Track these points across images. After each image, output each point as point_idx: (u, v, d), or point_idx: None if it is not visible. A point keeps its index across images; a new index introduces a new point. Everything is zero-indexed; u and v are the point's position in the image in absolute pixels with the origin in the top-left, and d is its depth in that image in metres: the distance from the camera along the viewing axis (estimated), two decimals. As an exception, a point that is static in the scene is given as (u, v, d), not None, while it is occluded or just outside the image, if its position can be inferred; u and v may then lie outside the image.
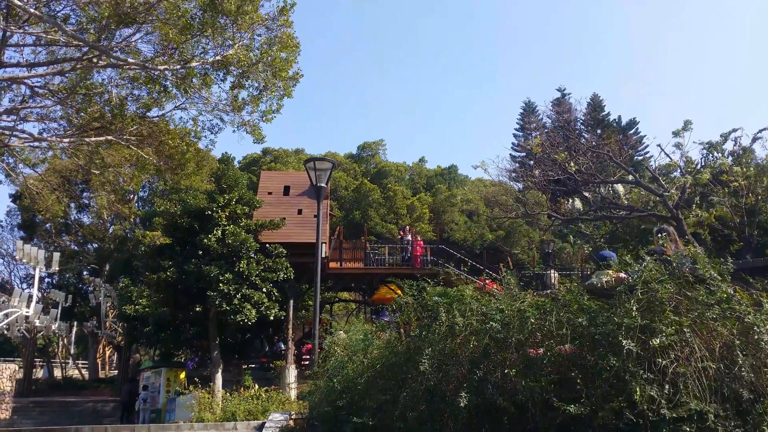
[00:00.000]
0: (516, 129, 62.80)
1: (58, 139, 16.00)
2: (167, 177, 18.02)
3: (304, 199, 24.29)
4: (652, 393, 3.97)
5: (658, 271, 4.58)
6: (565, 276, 21.60)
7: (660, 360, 4.06)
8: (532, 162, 29.85)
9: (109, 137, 15.08)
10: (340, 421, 8.15)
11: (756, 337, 4.08)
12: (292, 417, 12.09)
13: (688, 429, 3.81)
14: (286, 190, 25.02)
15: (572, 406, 4.29)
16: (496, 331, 5.45)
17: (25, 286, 36.38)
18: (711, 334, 4.15)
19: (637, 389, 3.97)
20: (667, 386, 4.00)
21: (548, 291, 5.73)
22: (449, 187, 45.03)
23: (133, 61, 14.22)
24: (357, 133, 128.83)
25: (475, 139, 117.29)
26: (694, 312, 4.22)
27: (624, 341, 4.11)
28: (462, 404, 5.29)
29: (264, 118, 14.87)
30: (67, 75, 15.21)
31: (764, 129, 21.52)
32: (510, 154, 53.52)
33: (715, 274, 4.40)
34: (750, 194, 19.82)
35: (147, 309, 23.64)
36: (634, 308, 4.31)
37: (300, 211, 23.80)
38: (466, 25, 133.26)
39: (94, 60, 14.22)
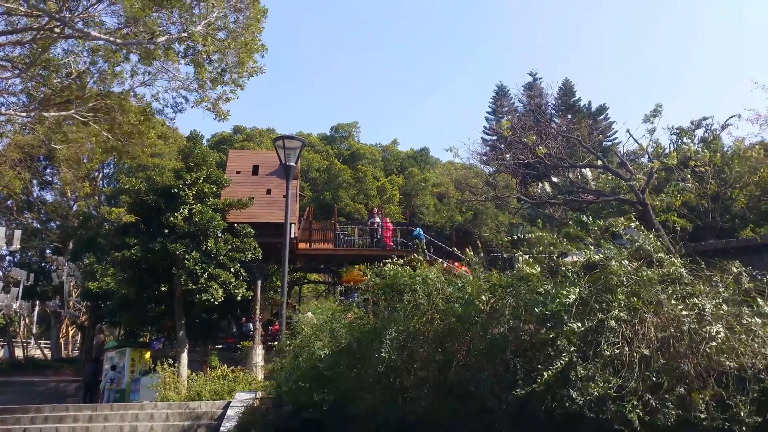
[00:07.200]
0: (488, 112, 62.87)
1: (16, 113, 15.47)
2: (124, 158, 17.48)
3: (273, 178, 24.01)
4: (590, 373, 3.98)
5: (615, 252, 4.61)
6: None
7: (607, 341, 4.07)
8: (503, 146, 29.99)
9: (69, 112, 14.61)
10: (304, 400, 8.14)
11: (699, 321, 4.12)
12: (258, 396, 12.06)
13: (624, 407, 3.85)
14: (255, 170, 24.71)
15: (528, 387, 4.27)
16: (458, 310, 5.46)
17: (-16, 265, 35.47)
18: (663, 313, 4.19)
19: (578, 370, 3.97)
20: (601, 366, 4.03)
21: (512, 271, 5.74)
22: (421, 170, 45.01)
23: (95, 33, 13.71)
24: (330, 115, 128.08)
25: (448, 122, 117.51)
26: (648, 291, 4.25)
27: (573, 323, 4.12)
28: (425, 390, 5.29)
29: (226, 97, 14.54)
30: (26, 46, 14.66)
31: (733, 116, 21.92)
32: (481, 138, 53.59)
33: (663, 255, 4.43)
34: (713, 181, 20.23)
35: (111, 286, 23.26)
36: (576, 289, 4.31)
37: (269, 191, 23.55)
38: (441, 7, 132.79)
39: (56, 30, 13.72)
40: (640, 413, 3.77)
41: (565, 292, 4.29)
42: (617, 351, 4.02)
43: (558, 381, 4.09)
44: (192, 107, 15.03)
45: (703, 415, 3.77)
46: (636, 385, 3.86)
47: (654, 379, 3.93)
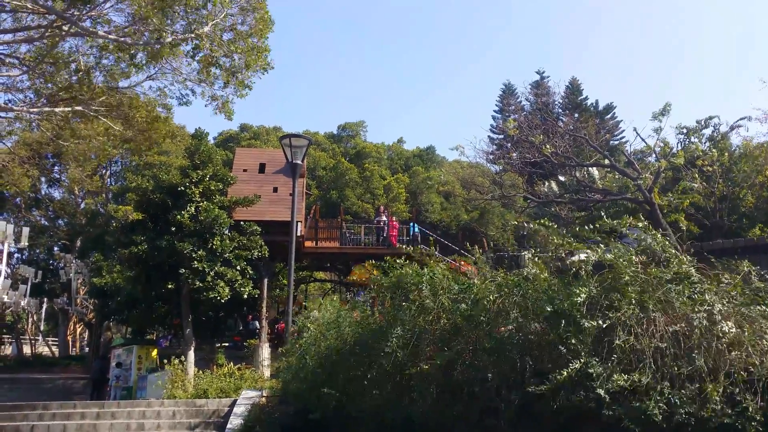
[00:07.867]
0: (495, 111, 62.85)
1: (25, 109, 15.54)
2: (136, 151, 17.55)
3: (280, 177, 24.00)
4: (598, 370, 3.97)
5: (623, 251, 4.59)
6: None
7: (619, 338, 4.06)
8: (509, 144, 29.94)
9: (78, 108, 14.66)
10: (310, 398, 8.14)
11: (709, 318, 4.11)
12: (265, 394, 12.09)
13: (644, 404, 3.84)
14: (262, 168, 24.69)
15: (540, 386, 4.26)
16: (465, 310, 5.44)
17: (-7, 261, 35.63)
18: (672, 311, 4.17)
19: (595, 368, 3.96)
20: (616, 362, 4.01)
21: (519, 270, 5.72)
22: (427, 168, 45.00)
23: (103, 33, 13.76)
24: (337, 113, 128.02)
25: (454, 121, 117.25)
26: (658, 289, 4.23)
27: (587, 321, 4.10)
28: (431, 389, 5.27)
29: (238, 94, 14.58)
30: (35, 43, 14.72)
31: (743, 118, 21.84)
32: (488, 136, 53.64)
33: (671, 254, 4.42)
34: (720, 181, 20.16)
35: (118, 282, 23.37)
36: (586, 288, 4.30)
37: (275, 189, 23.54)
38: (449, 5, 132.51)
39: (65, 28, 13.76)
40: (665, 407, 3.77)
41: (576, 291, 4.28)
42: (630, 345, 4.00)
43: (568, 380, 4.08)
44: (206, 105, 15.10)
45: (718, 407, 3.77)
46: (651, 379, 3.86)
47: (671, 370, 3.92)
